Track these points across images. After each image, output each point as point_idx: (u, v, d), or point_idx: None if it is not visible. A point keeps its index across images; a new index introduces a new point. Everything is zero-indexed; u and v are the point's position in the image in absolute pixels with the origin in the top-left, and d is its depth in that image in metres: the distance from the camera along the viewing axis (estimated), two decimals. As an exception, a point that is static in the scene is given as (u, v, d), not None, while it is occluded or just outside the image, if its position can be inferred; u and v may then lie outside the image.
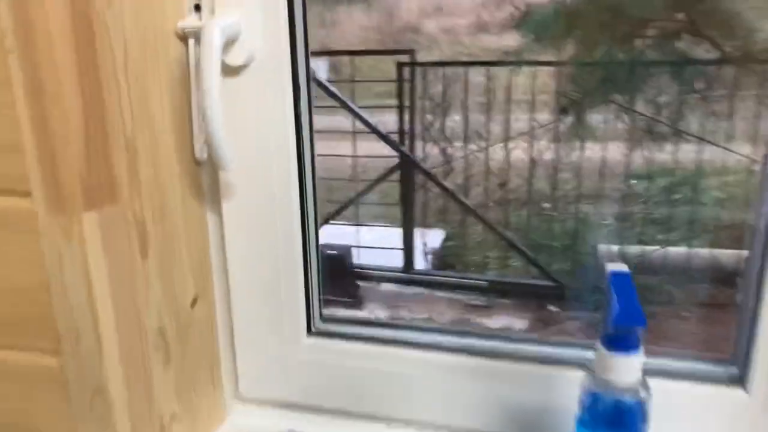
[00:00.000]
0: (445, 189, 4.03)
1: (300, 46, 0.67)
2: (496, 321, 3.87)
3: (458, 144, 4.21)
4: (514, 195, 5.27)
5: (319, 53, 6.13)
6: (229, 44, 0.63)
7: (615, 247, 4.29)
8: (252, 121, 0.71)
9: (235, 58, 0.65)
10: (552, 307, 3.95)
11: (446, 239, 4.83)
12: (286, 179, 0.73)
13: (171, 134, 0.66)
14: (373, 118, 4.54)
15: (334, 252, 4.01)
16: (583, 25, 1.62)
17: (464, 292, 4.04)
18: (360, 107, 4.35)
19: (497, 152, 4.16)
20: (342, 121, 4.17)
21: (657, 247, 4.21)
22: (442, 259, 4.74)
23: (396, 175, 4.13)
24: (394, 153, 4.05)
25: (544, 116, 4.35)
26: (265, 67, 0.67)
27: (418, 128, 4.15)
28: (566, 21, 1.73)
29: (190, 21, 0.67)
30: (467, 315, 3.94)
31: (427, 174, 4.02)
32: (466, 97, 4.05)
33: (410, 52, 4.09)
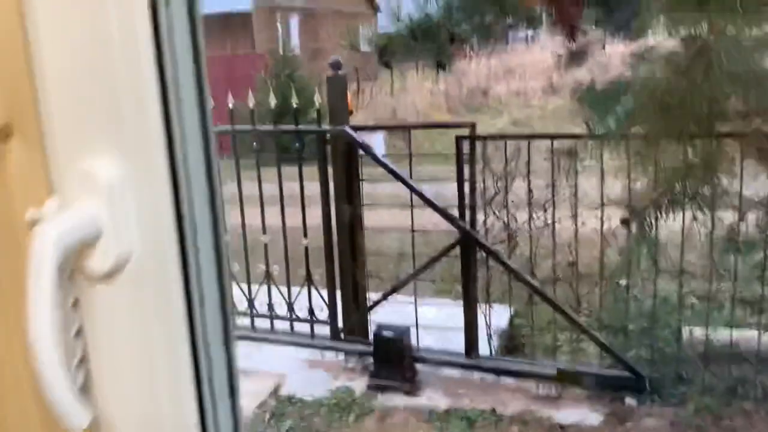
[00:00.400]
0: (508, 267, 3.78)
1: (201, 234, 0.47)
2: (565, 414, 3.53)
3: (522, 218, 3.97)
4: (586, 270, 4.93)
5: (375, 127, 6.15)
6: (91, 242, 0.45)
7: (700, 331, 3.88)
8: (131, 346, 0.50)
9: (100, 262, 0.47)
10: (629, 400, 3.58)
11: (513, 318, 4.54)
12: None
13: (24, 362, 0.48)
14: (434, 189, 4.37)
15: (391, 333, 3.81)
16: (649, 106, 1.41)
17: (532, 380, 3.74)
18: (418, 180, 4.20)
19: (564, 225, 3.88)
20: (403, 190, 4.02)
21: (749, 332, 3.78)
22: (509, 340, 4.44)
23: (457, 250, 3.92)
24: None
25: (616, 185, 4.06)
26: (145, 271, 0.48)
27: (479, 201, 3.94)
28: (632, 101, 1.53)
29: (48, 208, 0.46)
30: (534, 406, 3.62)
31: (489, 251, 3.79)
32: (529, 169, 3.82)
33: (470, 125, 3.92)
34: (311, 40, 22.27)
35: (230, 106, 3.97)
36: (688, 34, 1.17)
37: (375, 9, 27.73)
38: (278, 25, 16.00)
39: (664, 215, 1.62)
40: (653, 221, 1.65)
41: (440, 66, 3.11)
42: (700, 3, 1.55)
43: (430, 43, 2.55)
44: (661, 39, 1.78)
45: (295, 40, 21.28)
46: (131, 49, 0.42)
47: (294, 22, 22.85)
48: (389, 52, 3.00)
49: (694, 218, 1.65)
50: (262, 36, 20.18)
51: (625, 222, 1.77)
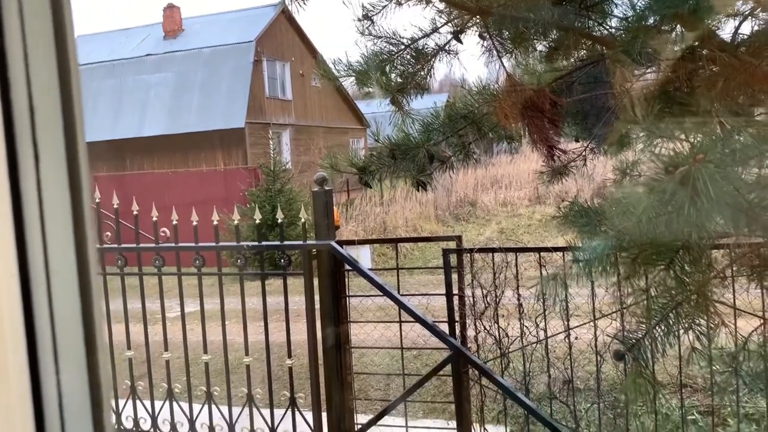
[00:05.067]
0: (502, 386, 3.61)
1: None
2: None
3: (514, 332, 3.85)
4: (582, 386, 4.75)
5: (361, 242, 6.14)
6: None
7: (707, 452, 3.68)
8: None
9: None
10: None
11: (509, 439, 4.31)
12: None
13: None
14: (424, 302, 4.27)
15: (381, 460, 3.57)
16: (635, 230, 1.36)
17: None
18: (406, 293, 4.11)
19: (558, 339, 3.77)
20: (392, 304, 3.91)
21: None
22: (506, 464, 4.19)
23: (448, 368, 3.77)
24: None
25: (607, 297, 3.98)
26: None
27: (469, 315, 3.84)
28: (616, 222, 1.48)
29: None
30: None
31: (482, 369, 3.64)
32: (518, 283, 3.75)
33: (457, 237, 3.89)
34: (303, 154, 22.86)
35: (214, 222, 3.94)
36: (669, 161, 1.15)
37: (365, 125, 28.71)
38: (270, 140, 16.43)
39: (660, 348, 1.54)
40: (649, 354, 1.57)
41: (420, 185, 3.08)
42: (678, 120, 1.55)
43: (409, 163, 2.55)
44: (641, 155, 1.77)
45: (286, 154, 21.83)
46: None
47: (286, 137, 23.54)
48: (369, 173, 3.00)
49: (693, 349, 1.57)
50: (255, 150, 20.70)
51: (618, 355, 1.67)
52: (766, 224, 1.29)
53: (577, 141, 3.20)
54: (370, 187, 2.52)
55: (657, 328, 1.49)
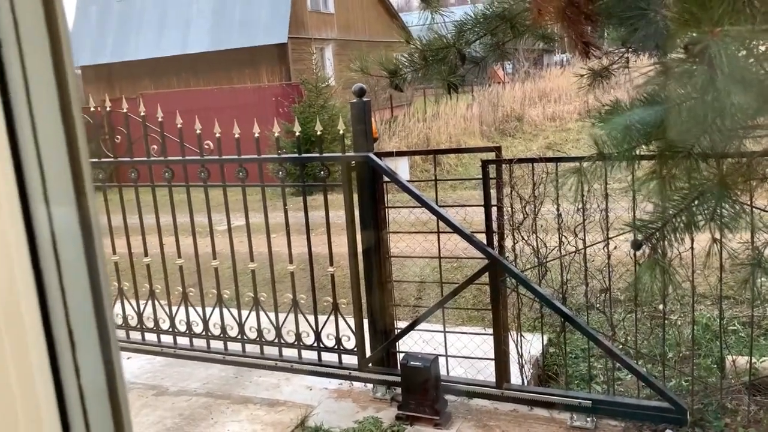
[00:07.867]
0: (539, 295, 3.66)
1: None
2: (602, 448, 3.38)
3: (552, 242, 3.86)
4: (620, 296, 4.76)
5: (399, 153, 6.11)
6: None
7: (744, 359, 3.70)
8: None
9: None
10: (670, 433, 3.41)
11: (546, 347, 4.40)
12: None
13: None
14: (462, 214, 4.30)
15: (419, 363, 3.71)
16: (660, 123, 1.33)
17: (566, 411, 3.59)
18: (445, 206, 4.13)
19: (596, 249, 3.76)
20: (431, 217, 3.96)
21: (797, 360, 3.59)
22: (542, 369, 4.30)
23: (486, 277, 3.83)
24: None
25: (649, 207, 3.93)
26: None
27: (508, 226, 3.85)
28: (643, 119, 1.44)
29: None
30: (568, 439, 3.48)
31: (519, 278, 3.69)
32: (558, 193, 3.72)
33: (496, 149, 3.86)
34: (345, 69, 22.58)
35: (256, 135, 3.99)
36: (690, 39, 1.10)
37: (410, 37, 27.98)
38: (312, 55, 16.25)
39: (678, 237, 1.53)
40: (667, 243, 1.56)
41: (451, 87, 3.03)
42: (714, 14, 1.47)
43: (440, 65, 2.49)
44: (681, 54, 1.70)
45: (329, 69, 21.58)
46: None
47: (329, 52, 23.21)
48: (399, 76, 2.95)
49: (714, 240, 1.56)
50: (298, 66, 20.53)
51: (636, 244, 1.67)
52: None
53: (624, 45, 3.07)
54: (401, 91, 2.50)
55: (677, 218, 1.48)
